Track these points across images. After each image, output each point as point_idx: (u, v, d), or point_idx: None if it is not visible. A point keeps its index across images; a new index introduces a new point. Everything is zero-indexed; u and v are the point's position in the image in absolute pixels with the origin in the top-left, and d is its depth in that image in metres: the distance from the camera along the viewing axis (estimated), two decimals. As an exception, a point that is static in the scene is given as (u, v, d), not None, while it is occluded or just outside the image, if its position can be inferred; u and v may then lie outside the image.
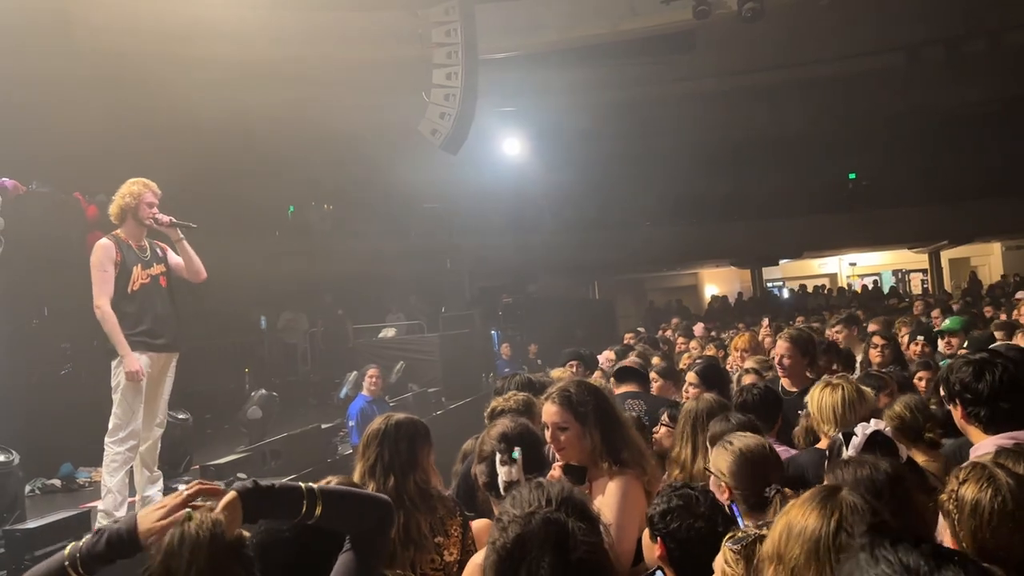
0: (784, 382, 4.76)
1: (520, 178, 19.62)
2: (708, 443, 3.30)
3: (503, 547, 1.68)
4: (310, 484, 1.93)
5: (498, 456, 2.70)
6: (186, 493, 1.75)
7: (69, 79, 10.24)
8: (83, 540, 1.73)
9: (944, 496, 2.03)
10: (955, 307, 11.08)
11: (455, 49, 12.42)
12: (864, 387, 3.57)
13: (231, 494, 1.78)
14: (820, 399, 3.44)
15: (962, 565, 1.22)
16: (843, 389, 3.43)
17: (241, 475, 5.73)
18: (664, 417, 4.09)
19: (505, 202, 20.19)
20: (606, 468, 2.89)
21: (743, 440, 2.82)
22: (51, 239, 7.96)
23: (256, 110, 12.78)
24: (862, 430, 2.72)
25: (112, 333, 5.20)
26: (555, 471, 2.78)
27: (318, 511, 1.86)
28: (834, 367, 5.47)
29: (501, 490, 2.65)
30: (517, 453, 2.69)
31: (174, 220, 5.53)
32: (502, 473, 2.66)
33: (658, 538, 2.22)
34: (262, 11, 12.09)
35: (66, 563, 1.70)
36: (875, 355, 5.60)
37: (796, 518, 1.84)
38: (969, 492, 1.97)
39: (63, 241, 7.96)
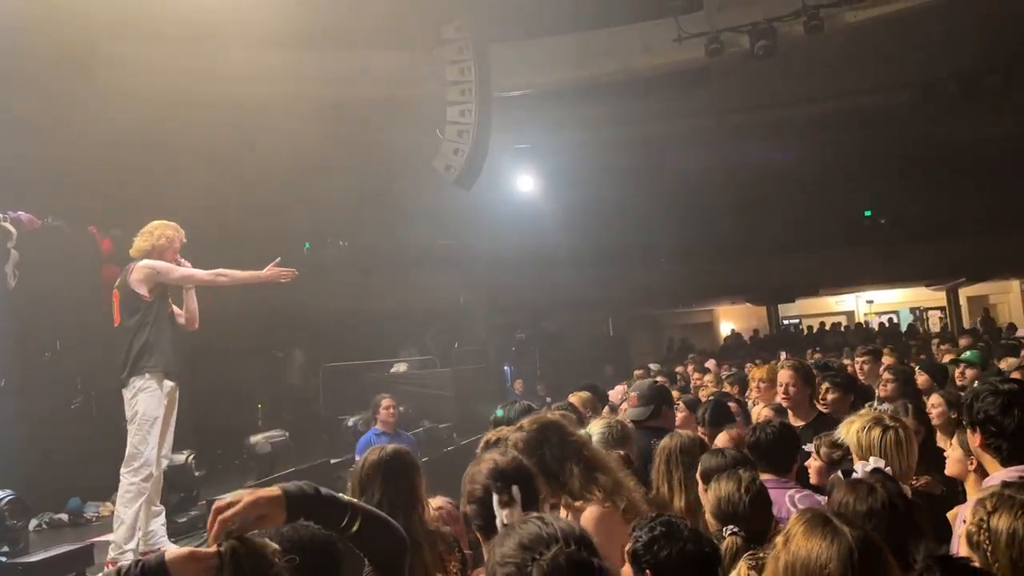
0: (789, 415, 4.58)
1: (535, 214, 19.68)
2: (695, 479, 3.23)
3: None
4: (350, 498, 1.91)
5: (496, 497, 2.36)
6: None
7: (87, 115, 10.39)
8: None
9: (972, 528, 1.92)
10: (962, 342, 10.89)
11: (469, 87, 12.53)
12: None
13: (275, 491, 1.75)
14: (866, 439, 3.14)
15: None
16: (895, 430, 3.12)
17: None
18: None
19: (520, 238, 20.23)
20: (564, 504, 2.82)
21: (722, 486, 2.79)
22: (65, 273, 8.02)
23: (272, 147, 12.92)
24: (862, 468, 2.64)
25: (244, 276, 5.68)
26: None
27: (356, 526, 1.83)
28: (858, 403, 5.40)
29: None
30: (516, 492, 2.36)
31: (191, 267, 5.64)
32: (502, 516, 2.31)
33: (646, 571, 2.14)
34: (278, 51, 12.28)
35: None
36: (882, 390, 5.57)
37: (804, 555, 1.78)
38: (1003, 522, 1.86)
39: (77, 275, 8.02)
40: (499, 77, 13.26)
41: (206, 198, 10.77)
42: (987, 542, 1.86)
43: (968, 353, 7.19)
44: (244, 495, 1.72)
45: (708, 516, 2.78)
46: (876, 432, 3.13)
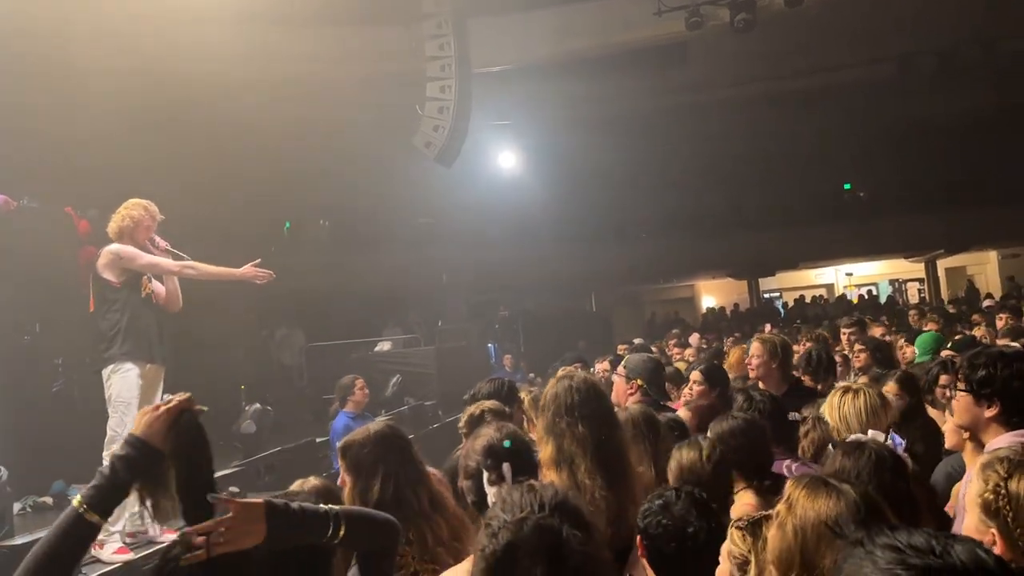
0: (760, 387, 4.61)
1: (516, 192, 19.63)
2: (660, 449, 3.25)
3: (492, 555, 1.52)
4: (329, 506, 1.88)
5: (485, 474, 2.36)
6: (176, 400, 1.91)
7: (63, 94, 10.23)
8: (89, 485, 1.79)
9: (990, 495, 1.87)
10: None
11: (449, 62, 12.44)
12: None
13: (257, 502, 1.70)
14: (840, 406, 3.24)
15: (969, 540, 1.18)
16: (864, 395, 3.21)
17: (234, 488, 5.67)
18: None
19: (502, 216, 20.20)
20: None
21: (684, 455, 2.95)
22: (42, 254, 7.92)
23: (251, 126, 12.78)
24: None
25: (215, 272, 5.49)
26: None
27: (341, 533, 1.81)
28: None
29: None
30: (507, 470, 2.34)
31: (169, 247, 5.55)
32: (491, 493, 2.31)
33: (639, 536, 2.34)
34: (256, 28, 12.12)
35: (81, 510, 1.77)
36: (856, 361, 5.60)
37: (813, 516, 1.77)
38: (1022, 486, 1.81)
39: (54, 256, 7.92)
40: (479, 53, 13.17)
41: (185, 177, 10.67)
42: (1007, 507, 1.82)
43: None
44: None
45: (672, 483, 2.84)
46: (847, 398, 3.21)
